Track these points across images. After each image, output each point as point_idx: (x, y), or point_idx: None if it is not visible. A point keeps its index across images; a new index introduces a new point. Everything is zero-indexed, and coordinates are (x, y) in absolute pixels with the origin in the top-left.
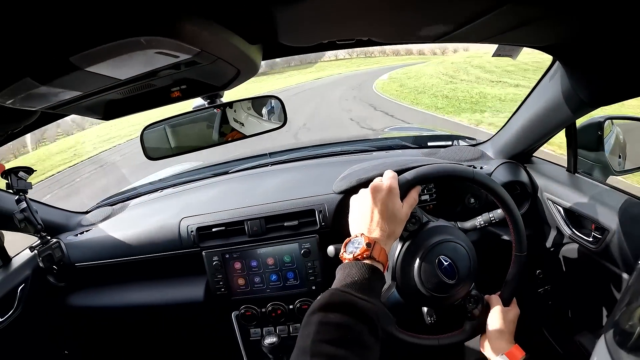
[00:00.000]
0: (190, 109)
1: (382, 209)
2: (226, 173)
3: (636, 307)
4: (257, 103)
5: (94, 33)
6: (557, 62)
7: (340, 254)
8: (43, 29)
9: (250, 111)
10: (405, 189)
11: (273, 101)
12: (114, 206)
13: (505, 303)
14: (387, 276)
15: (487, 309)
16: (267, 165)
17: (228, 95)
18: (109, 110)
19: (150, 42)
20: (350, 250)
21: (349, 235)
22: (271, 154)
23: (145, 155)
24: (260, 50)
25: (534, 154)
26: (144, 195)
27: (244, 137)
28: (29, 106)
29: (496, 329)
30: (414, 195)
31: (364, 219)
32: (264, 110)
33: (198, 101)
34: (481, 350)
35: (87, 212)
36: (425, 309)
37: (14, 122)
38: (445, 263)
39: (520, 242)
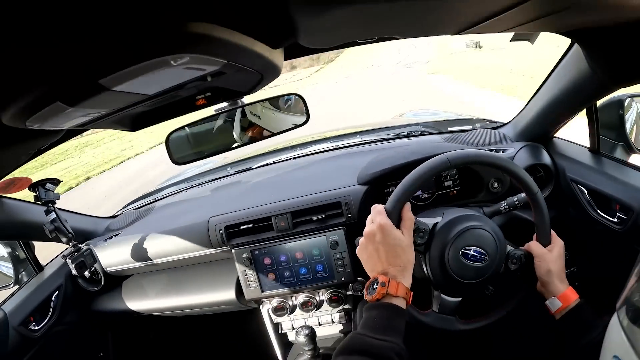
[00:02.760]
0: (212, 112)
1: (385, 248)
2: (249, 169)
3: None
4: (277, 102)
5: (122, 56)
6: (576, 44)
7: (365, 295)
8: (72, 55)
9: (266, 103)
10: (396, 214)
11: (294, 98)
12: (140, 209)
13: (544, 243)
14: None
15: (530, 258)
16: (290, 159)
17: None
18: (136, 122)
19: (178, 60)
20: (370, 293)
21: None
22: (292, 147)
23: (171, 160)
24: (282, 53)
25: (555, 135)
26: (169, 196)
27: (267, 136)
28: (58, 127)
29: (543, 275)
30: (407, 216)
31: (373, 263)
32: (283, 107)
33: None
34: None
35: (114, 217)
36: (488, 288)
37: (42, 139)
38: (470, 252)
39: (528, 185)
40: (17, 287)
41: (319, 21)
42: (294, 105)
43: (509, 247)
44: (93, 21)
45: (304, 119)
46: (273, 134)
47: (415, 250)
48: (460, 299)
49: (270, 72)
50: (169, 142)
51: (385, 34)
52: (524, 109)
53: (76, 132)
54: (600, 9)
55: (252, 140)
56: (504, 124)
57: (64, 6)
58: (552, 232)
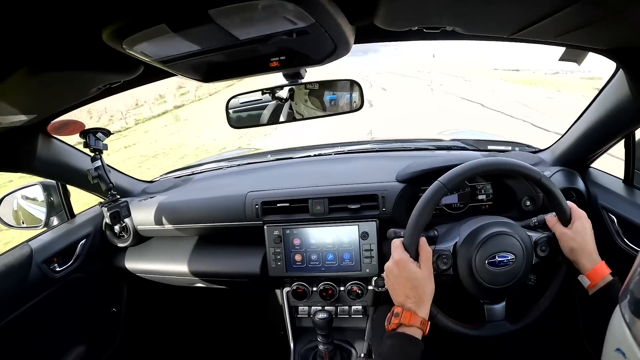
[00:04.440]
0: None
1: (401, 281)
2: (290, 158)
3: None
4: (332, 86)
5: None
6: (621, 70)
7: (386, 325)
8: None
9: (308, 103)
10: (413, 248)
11: (349, 85)
12: (177, 179)
13: (565, 222)
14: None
15: (556, 239)
16: (330, 154)
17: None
18: (211, 72)
19: (280, 6)
20: (387, 323)
21: (407, 223)
22: (334, 145)
23: (228, 123)
24: (354, 32)
25: (591, 165)
26: (207, 172)
27: (319, 116)
28: (146, 56)
29: (568, 254)
30: (424, 249)
31: (395, 295)
32: (326, 102)
33: (281, 80)
34: None
35: (151, 182)
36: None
37: (117, 73)
38: (496, 259)
39: (529, 174)
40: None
41: None
42: (339, 103)
43: (535, 236)
44: None
45: (357, 106)
46: (321, 116)
47: (445, 275)
48: (504, 303)
49: (343, 46)
50: (228, 106)
51: (448, 24)
52: (563, 135)
53: (152, 76)
54: (638, 26)
55: (305, 117)
56: (543, 150)
57: None
58: (572, 205)
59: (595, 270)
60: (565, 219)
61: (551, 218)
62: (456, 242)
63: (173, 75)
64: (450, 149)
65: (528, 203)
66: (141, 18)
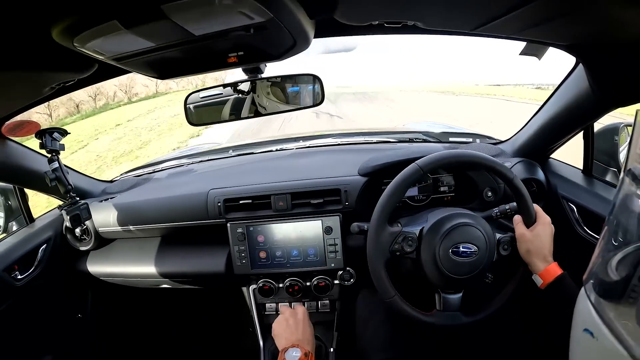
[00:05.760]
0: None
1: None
2: (252, 154)
3: (612, 256)
4: (286, 92)
5: None
6: (579, 65)
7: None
8: None
9: (270, 96)
10: (382, 230)
11: (311, 79)
12: (138, 177)
13: (528, 224)
14: None
15: None
16: (292, 149)
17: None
18: (166, 69)
19: (236, 1)
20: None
21: (370, 217)
22: (296, 139)
23: (187, 120)
24: (314, 26)
25: (550, 156)
26: (169, 169)
27: (280, 111)
28: (99, 53)
29: (523, 255)
30: (300, 310)
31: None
32: (289, 94)
33: (240, 75)
34: None
35: (111, 181)
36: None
37: (70, 71)
38: (460, 249)
39: (503, 173)
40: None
41: None
42: (302, 95)
43: (499, 235)
44: None
45: (318, 101)
46: (282, 111)
47: (408, 257)
48: (461, 294)
49: (303, 41)
50: (187, 103)
51: (410, 19)
52: (524, 127)
53: (106, 74)
54: (600, 22)
55: (267, 113)
56: (503, 141)
57: None
58: (538, 209)
59: (547, 270)
60: (530, 222)
61: (517, 217)
62: (423, 227)
63: (129, 72)
64: (412, 141)
65: (489, 194)
66: (91, 15)
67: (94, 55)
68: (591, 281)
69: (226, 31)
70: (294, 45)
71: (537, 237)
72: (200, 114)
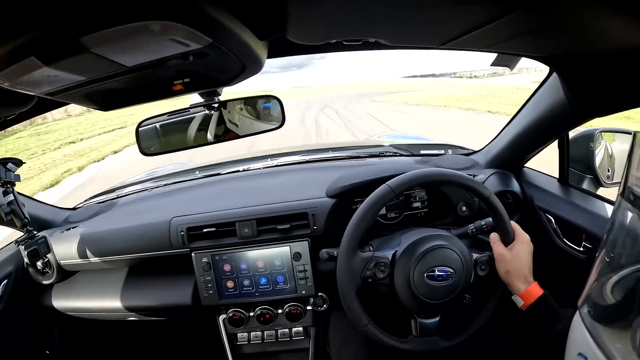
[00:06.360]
0: (187, 106)
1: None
2: (218, 174)
3: (607, 279)
4: (254, 102)
5: (108, 13)
6: (554, 74)
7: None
8: (53, 6)
9: (244, 112)
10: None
11: (271, 101)
12: (101, 204)
13: (506, 242)
14: None
15: None
16: (259, 169)
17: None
18: (108, 101)
19: (165, 28)
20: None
21: (340, 241)
22: (262, 158)
23: (140, 150)
24: (267, 47)
25: (525, 165)
26: (133, 194)
27: (240, 136)
28: (29, 90)
29: (503, 276)
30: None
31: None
32: (260, 110)
33: (195, 99)
34: None
35: (74, 209)
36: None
37: (8, 107)
38: (435, 273)
39: (478, 190)
40: None
41: (309, 11)
42: (272, 111)
43: (475, 255)
44: None
45: (279, 122)
46: (246, 135)
47: (381, 283)
48: (438, 318)
49: (253, 65)
50: (139, 133)
51: (369, 37)
52: (497, 137)
53: (47, 106)
54: (574, 34)
55: (227, 138)
56: (476, 151)
57: None
58: (517, 228)
59: (528, 291)
60: (508, 240)
61: (494, 235)
62: (396, 251)
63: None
64: (382, 155)
65: (464, 209)
66: (5, 53)
67: (25, 91)
68: (586, 305)
69: (162, 60)
70: (244, 69)
71: (517, 257)
72: (158, 141)
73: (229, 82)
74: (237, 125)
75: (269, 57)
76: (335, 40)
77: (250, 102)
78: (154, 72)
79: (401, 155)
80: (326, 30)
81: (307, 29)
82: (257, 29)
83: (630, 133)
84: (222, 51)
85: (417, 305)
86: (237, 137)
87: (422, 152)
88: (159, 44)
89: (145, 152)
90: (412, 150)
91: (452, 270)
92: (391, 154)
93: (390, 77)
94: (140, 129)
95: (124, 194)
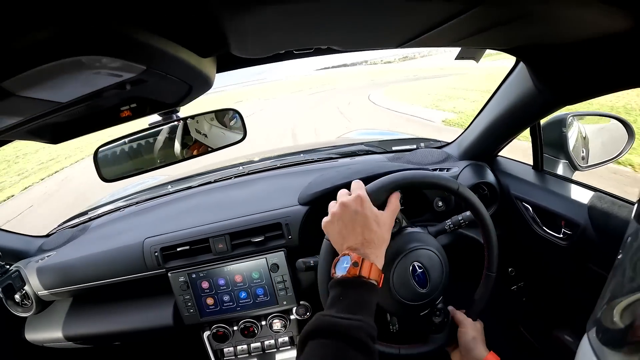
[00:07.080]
0: (147, 126)
1: (361, 219)
2: (189, 188)
3: (617, 303)
4: (223, 118)
5: (26, 54)
6: (521, 63)
7: (332, 272)
8: None
9: (214, 122)
10: (381, 196)
11: (232, 114)
12: (74, 228)
13: (473, 319)
14: None
15: (452, 322)
16: (230, 178)
17: (187, 109)
18: (57, 134)
19: (91, 62)
20: (340, 272)
21: (316, 248)
22: (233, 166)
23: (99, 176)
24: (214, 62)
25: (498, 154)
26: (105, 215)
27: (207, 152)
28: None
29: (469, 341)
30: (394, 201)
31: (344, 235)
32: (227, 122)
33: (154, 117)
34: None
35: (47, 236)
36: (389, 317)
37: None
38: (419, 270)
39: (491, 262)
40: None
41: (245, 24)
42: (237, 124)
43: (440, 305)
44: None
45: (241, 135)
46: (213, 150)
47: None
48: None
49: (200, 83)
50: (97, 158)
51: (320, 44)
52: (468, 128)
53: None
54: (542, 25)
55: (193, 156)
56: (448, 143)
57: None
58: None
59: (490, 358)
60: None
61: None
62: (408, 225)
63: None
64: (355, 154)
65: (440, 204)
66: None
67: None
68: (594, 328)
69: (98, 92)
70: (191, 89)
71: (482, 331)
72: (119, 165)
73: (178, 103)
74: (205, 136)
75: (219, 71)
76: (284, 50)
77: (217, 117)
78: (98, 102)
79: (374, 152)
80: (272, 43)
81: (251, 42)
82: (197, 47)
83: (603, 115)
84: (160, 75)
85: (397, 308)
86: (205, 152)
87: (394, 148)
88: (89, 78)
89: (105, 178)
90: (384, 146)
91: (428, 282)
92: (363, 152)
93: (306, 72)
94: (99, 154)
95: (96, 216)
